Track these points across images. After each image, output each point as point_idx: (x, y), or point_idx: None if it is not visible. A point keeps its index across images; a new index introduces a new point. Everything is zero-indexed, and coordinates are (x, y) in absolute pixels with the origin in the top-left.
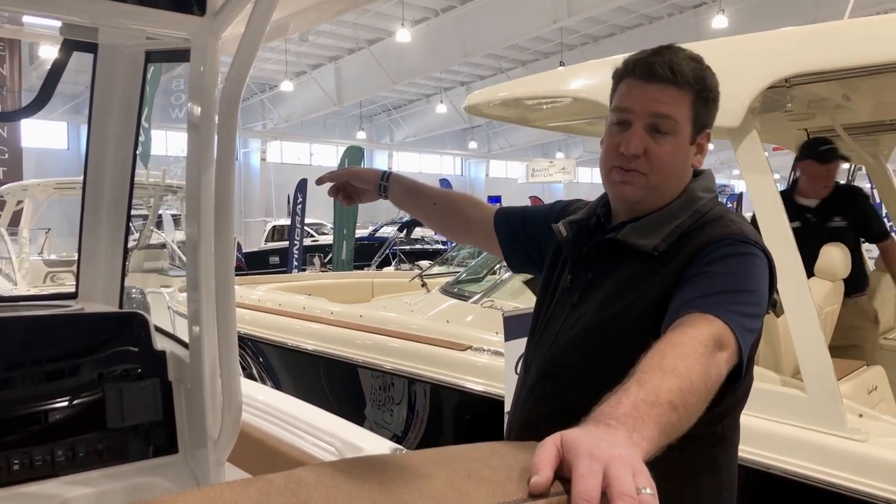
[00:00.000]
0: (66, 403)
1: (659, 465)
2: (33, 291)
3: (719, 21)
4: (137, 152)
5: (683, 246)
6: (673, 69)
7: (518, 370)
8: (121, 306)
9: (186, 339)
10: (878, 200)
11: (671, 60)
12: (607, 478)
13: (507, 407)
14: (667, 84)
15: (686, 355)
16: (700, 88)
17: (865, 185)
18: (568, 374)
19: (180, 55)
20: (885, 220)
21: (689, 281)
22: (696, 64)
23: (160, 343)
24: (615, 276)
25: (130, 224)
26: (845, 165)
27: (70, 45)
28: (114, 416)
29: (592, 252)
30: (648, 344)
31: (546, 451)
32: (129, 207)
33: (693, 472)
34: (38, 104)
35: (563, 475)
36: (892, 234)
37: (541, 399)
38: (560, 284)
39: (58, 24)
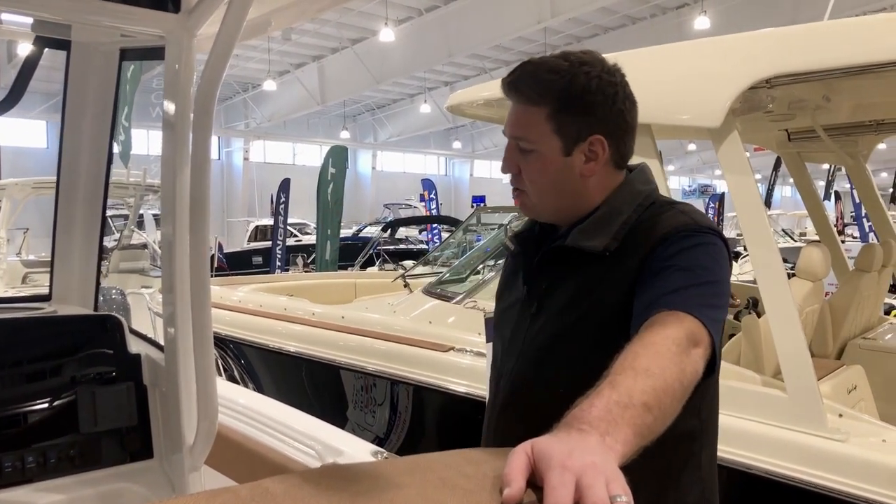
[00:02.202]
0: (37, 408)
1: (639, 468)
2: (11, 293)
3: (702, 22)
4: (117, 151)
5: (636, 241)
6: (516, 89)
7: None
8: (96, 308)
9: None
10: (857, 200)
11: (516, 81)
12: (580, 488)
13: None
14: (521, 103)
15: (659, 354)
16: (557, 99)
17: (845, 186)
18: (537, 388)
19: (155, 53)
20: (864, 219)
21: (652, 278)
22: (552, 75)
23: (135, 346)
24: (570, 281)
25: (111, 224)
26: (825, 166)
27: (42, 43)
28: (87, 420)
29: (544, 261)
30: (617, 346)
31: (517, 460)
32: (105, 207)
33: (674, 471)
34: (9, 102)
35: (535, 483)
36: (872, 234)
37: (514, 418)
38: (517, 298)
39: (30, 20)
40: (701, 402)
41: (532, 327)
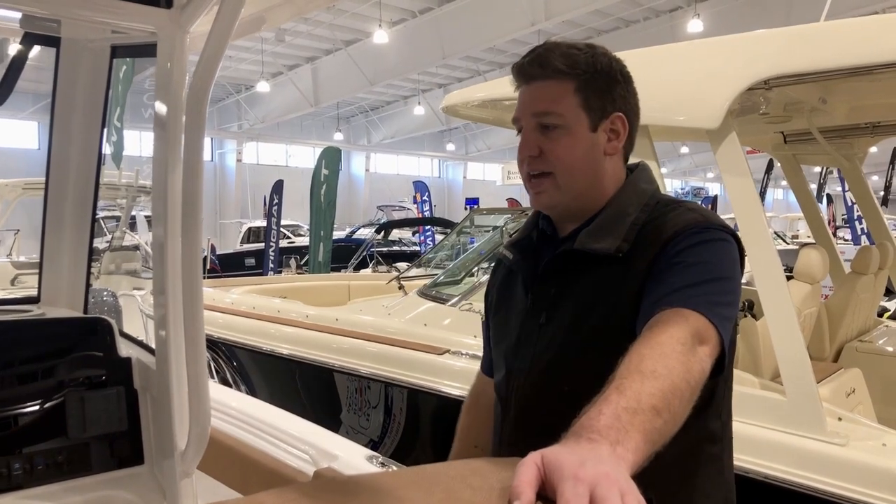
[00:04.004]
0: (25, 412)
1: (666, 474)
2: (1, 294)
3: (695, 25)
4: (109, 153)
5: (645, 242)
6: (542, 63)
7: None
8: (85, 311)
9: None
10: (849, 203)
11: (541, 55)
12: (594, 500)
13: None
14: (542, 79)
15: (665, 355)
16: (582, 72)
17: (836, 189)
18: (553, 400)
19: (147, 50)
20: (858, 222)
21: (660, 275)
22: (574, 51)
23: (126, 349)
24: (581, 287)
25: (104, 226)
26: (817, 168)
27: (31, 39)
28: (75, 425)
29: (550, 267)
30: None
31: (527, 472)
32: (95, 208)
33: (699, 475)
34: None
35: (545, 495)
36: (864, 236)
37: (528, 432)
38: (519, 308)
39: (18, 16)
40: (722, 403)
41: (542, 338)
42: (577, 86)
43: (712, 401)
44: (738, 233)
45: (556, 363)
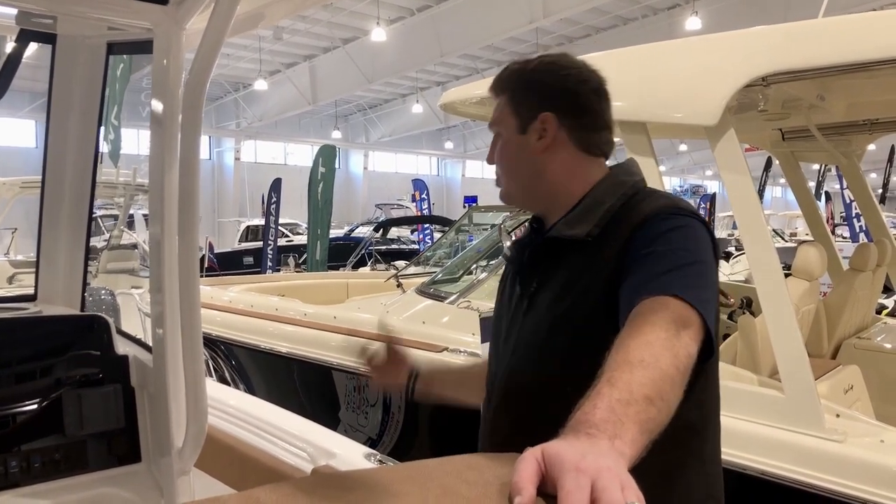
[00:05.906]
0: (22, 410)
1: (644, 464)
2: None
3: (693, 23)
4: (107, 151)
5: (617, 227)
6: (493, 85)
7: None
8: (82, 309)
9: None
10: (847, 201)
11: (495, 78)
12: (595, 491)
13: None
14: (495, 97)
15: (650, 343)
16: (513, 82)
17: (835, 187)
18: (530, 383)
19: (143, 47)
20: (856, 220)
21: (634, 265)
22: (516, 66)
23: (123, 347)
24: (557, 274)
25: (101, 224)
26: (815, 166)
27: (27, 36)
28: (72, 423)
29: (532, 259)
30: (605, 335)
31: (527, 467)
32: (91, 206)
33: (678, 466)
34: None
35: (545, 490)
36: (862, 233)
37: (508, 418)
38: (512, 300)
39: (13, 12)
40: (703, 394)
41: (524, 324)
42: (509, 96)
43: (691, 392)
44: (737, 230)
45: (532, 348)
